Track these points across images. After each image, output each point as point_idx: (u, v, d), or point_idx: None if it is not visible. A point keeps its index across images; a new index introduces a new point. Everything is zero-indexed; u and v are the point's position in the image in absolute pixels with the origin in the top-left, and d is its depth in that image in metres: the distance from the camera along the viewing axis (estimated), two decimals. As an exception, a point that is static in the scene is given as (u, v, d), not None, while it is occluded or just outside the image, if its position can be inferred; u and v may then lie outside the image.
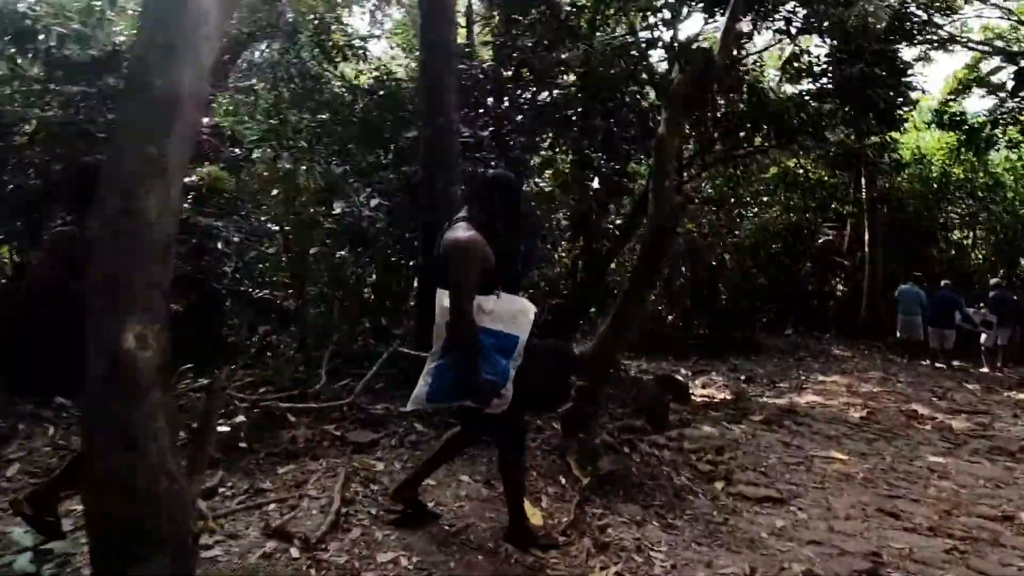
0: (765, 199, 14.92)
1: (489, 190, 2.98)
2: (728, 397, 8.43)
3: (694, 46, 9.38)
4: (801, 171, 13.50)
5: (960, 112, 17.05)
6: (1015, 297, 12.91)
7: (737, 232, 14.73)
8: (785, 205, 14.30)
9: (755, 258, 15.82)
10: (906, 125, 16.10)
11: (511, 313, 2.89)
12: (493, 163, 7.09)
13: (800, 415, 6.95)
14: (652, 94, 10.00)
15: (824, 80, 9.57)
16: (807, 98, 9.48)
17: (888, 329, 14.15)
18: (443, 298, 2.80)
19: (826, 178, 13.71)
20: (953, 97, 17.17)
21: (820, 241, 15.01)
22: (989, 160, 17.92)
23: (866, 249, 15.28)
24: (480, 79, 8.87)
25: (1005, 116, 16.80)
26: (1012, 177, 17.71)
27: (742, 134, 9.28)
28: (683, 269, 13.90)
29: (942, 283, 13.02)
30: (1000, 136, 16.98)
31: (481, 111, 8.23)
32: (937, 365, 12.06)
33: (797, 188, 13.81)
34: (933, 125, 17.46)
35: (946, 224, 18.65)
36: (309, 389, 4.67)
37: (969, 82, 17.02)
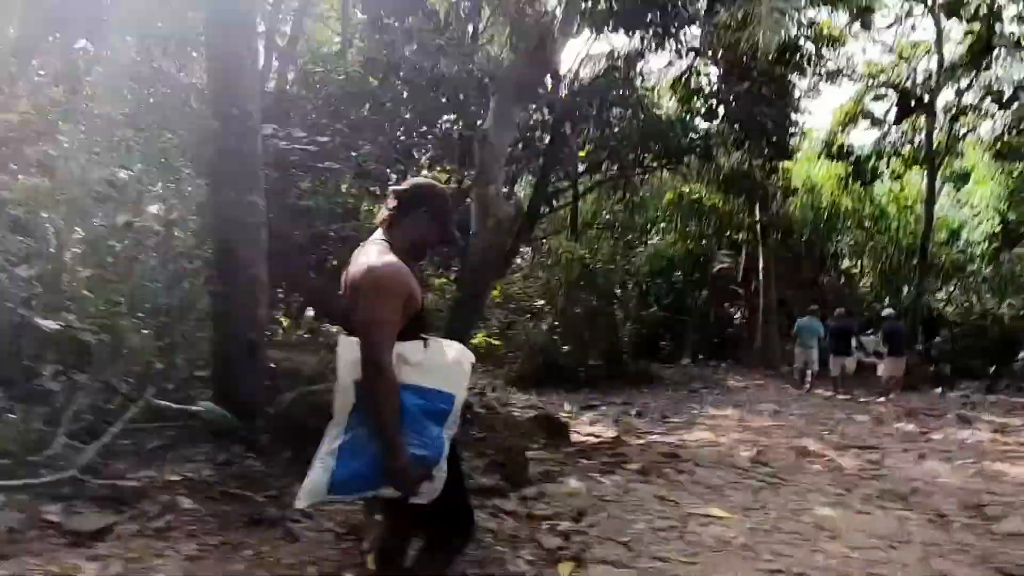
0: (663, 225, 14.61)
1: (413, 204, 2.22)
2: (614, 436, 7.73)
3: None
4: (696, 196, 13.25)
5: (847, 144, 17.51)
6: (903, 328, 13.21)
7: (634, 259, 14.33)
8: (681, 232, 14.02)
9: (652, 286, 15.50)
10: (798, 155, 16.38)
11: (444, 364, 2.16)
12: (337, 173, 6.18)
13: (684, 459, 6.27)
14: (545, 111, 9.36)
15: (714, 101, 9.24)
16: (696, 118, 9.09)
17: (783, 357, 14.05)
18: (347, 348, 2.05)
19: (719, 204, 13.53)
20: (841, 129, 17.63)
21: (716, 269, 14.83)
22: (874, 191, 18.45)
23: (760, 277, 15.22)
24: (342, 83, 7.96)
25: (888, 148, 17.38)
26: (895, 207, 18.27)
27: (631, 155, 8.75)
28: (581, 297, 13.29)
29: (836, 312, 13.16)
30: (884, 167, 17.53)
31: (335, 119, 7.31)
32: (839, 395, 12.07)
33: (693, 214, 13.56)
34: (823, 156, 17.86)
35: (837, 253, 19.06)
36: (38, 455, 3.53)
37: (855, 115, 17.52)
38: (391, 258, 2.05)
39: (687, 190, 13.07)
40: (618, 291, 13.30)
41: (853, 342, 12.51)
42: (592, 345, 13.08)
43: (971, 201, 19.91)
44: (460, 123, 8.79)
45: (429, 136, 8.49)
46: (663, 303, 14.50)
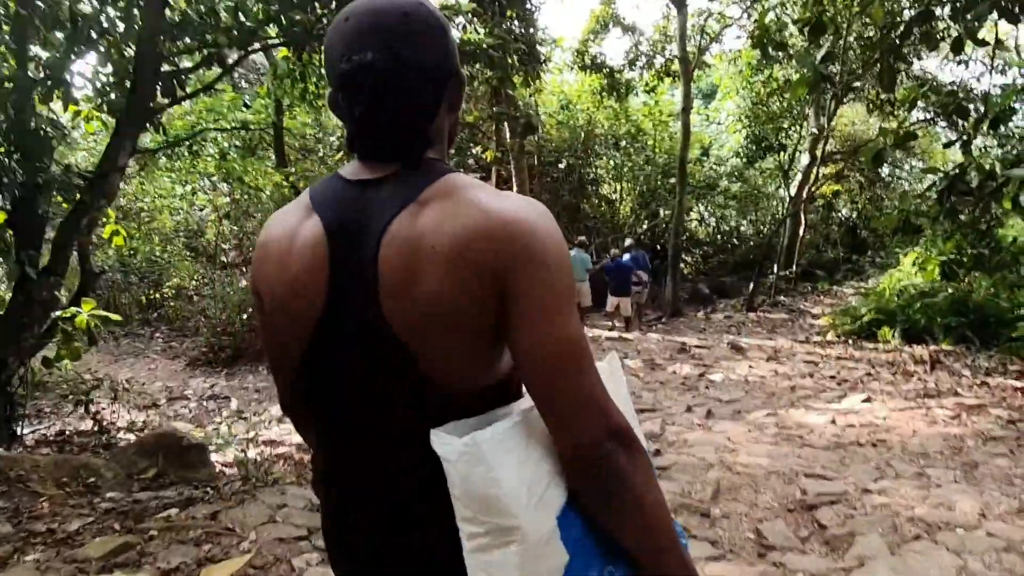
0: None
1: (451, 61, 0.96)
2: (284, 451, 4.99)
3: None
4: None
5: (600, 54, 15.95)
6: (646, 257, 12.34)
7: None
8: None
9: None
10: (549, 66, 14.39)
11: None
12: None
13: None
14: None
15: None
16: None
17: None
18: (497, 446, 0.83)
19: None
20: (593, 37, 16.00)
21: (464, 195, 12.41)
22: (629, 108, 17.24)
23: (516, 203, 13.13)
24: None
25: (641, 59, 16.12)
26: (651, 124, 17.23)
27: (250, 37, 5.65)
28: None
29: (627, 244, 11.86)
30: (637, 80, 16.31)
31: None
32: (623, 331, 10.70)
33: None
34: (575, 68, 16.19)
35: (596, 178, 17.82)
36: None
37: (607, 20, 15.95)
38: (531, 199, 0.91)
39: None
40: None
41: (632, 278, 11.06)
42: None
43: (718, 118, 19.70)
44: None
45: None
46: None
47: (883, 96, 11.98)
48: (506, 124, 11.52)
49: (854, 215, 20.00)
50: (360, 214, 0.88)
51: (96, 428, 5.20)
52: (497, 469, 0.80)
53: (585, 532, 0.85)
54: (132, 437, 5.17)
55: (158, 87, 5.19)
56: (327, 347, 0.91)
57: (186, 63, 5.84)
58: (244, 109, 10.91)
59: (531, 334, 0.82)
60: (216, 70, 6.17)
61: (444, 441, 0.82)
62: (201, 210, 12.98)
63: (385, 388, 0.88)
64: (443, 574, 0.87)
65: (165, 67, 5.31)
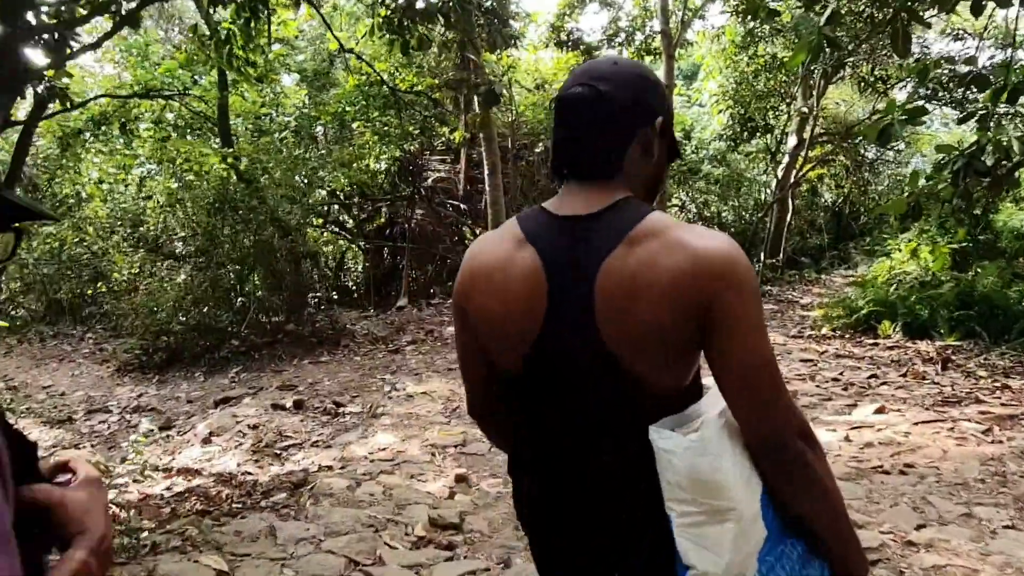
0: (356, 125, 10.84)
1: (652, 112, 1.15)
2: (184, 488, 4.11)
3: None
4: (386, 78, 9.52)
5: (577, 30, 15.09)
6: None
7: (322, 171, 10.46)
8: (379, 131, 10.33)
9: (353, 206, 11.86)
10: (523, 43, 13.59)
11: None
12: None
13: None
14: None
15: None
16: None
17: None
18: (718, 441, 1.03)
19: (418, 89, 9.93)
20: (569, 12, 15.11)
21: (430, 180, 11.47)
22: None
23: (488, 189, 12.24)
24: None
25: (621, 36, 15.28)
26: (630, 105, 16.38)
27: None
28: (239, 228, 9.19)
29: None
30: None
31: None
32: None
33: (392, 104, 9.88)
34: (551, 45, 15.29)
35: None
36: None
37: (584, -6, 15.04)
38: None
39: (368, 70, 9.16)
40: (294, 215, 9.43)
41: None
42: (267, 298, 9.18)
43: (700, 99, 18.95)
44: None
45: None
46: (366, 229, 10.95)
47: (876, 73, 11.26)
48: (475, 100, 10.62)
49: (839, 200, 19.38)
50: (573, 248, 1.06)
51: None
52: (720, 459, 1.00)
53: (774, 513, 1.03)
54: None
55: (29, 44, 4.25)
56: (545, 360, 1.09)
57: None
58: (194, 83, 9.90)
59: (735, 354, 1.00)
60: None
61: (665, 436, 1.02)
62: (148, 198, 11.95)
63: (599, 393, 1.07)
64: (641, 547, 1.08)
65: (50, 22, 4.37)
